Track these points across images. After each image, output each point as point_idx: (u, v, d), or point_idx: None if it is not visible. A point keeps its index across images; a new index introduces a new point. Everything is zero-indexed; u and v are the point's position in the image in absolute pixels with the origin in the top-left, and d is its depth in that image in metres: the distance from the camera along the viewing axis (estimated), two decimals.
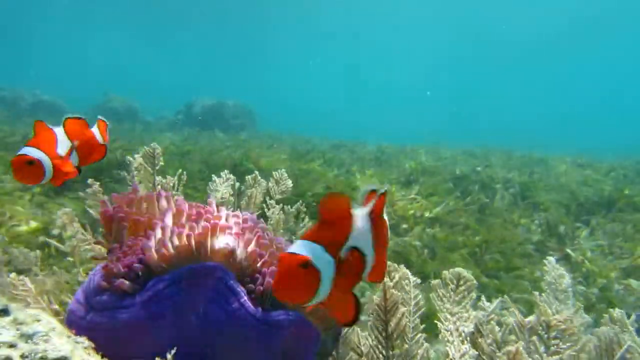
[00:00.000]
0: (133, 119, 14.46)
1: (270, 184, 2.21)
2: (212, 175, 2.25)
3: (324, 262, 0.92)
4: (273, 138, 11.70)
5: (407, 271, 1.68)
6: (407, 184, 7.04)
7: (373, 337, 1.57)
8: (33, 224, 4.17)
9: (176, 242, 1.16)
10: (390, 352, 1.54)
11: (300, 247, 0.92)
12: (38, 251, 1.90)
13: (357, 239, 1.01)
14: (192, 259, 1.17)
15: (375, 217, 1.08)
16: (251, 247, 1.22)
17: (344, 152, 10.65)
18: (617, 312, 1.72)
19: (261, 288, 1.20)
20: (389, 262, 1.91)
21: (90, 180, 2.12)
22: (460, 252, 5.22)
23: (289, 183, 2.24)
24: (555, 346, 1.53)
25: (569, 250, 5.09)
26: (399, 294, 1.60)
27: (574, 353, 1.45)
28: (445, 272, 1.83)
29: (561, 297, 1.80)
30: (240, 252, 1.20)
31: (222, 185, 2.14)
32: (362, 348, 1.59)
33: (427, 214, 5.98)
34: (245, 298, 1.17)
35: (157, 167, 2.06)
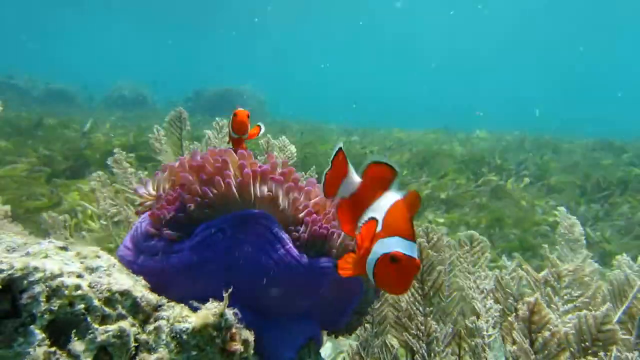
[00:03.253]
0: (142, 106, 14.50)
1: (274, 153, 2.17)
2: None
3: None
4: (282, 124, 11.71)
5: (444, 232, 1.71)
6: (420, 165, 7.04)
7: (409, 294, 1.59)
8: (46, 200, 4.25)
9: (215, 190, 1.18)
10: (428, 309, 1.56)
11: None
12: (67, 215, 1.92)
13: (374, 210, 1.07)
14: (236, 205, 1.18)
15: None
16: (293, 195, 1.23)
17: (355, 137, 10.63)
18: (622, 257, 1.75)
19: (305, 236, 1.21)
20: (427, 224, 1.92)
21: (116, 150, 2.14)
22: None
23: (293, 149, 2.18)
24: (567, 295, 1.57)
25: (587, 230, 5.07)
26: (435, 254, 1.62)
27: (586, 299, 1.49)
28: (459, 234, 1.88)
29: (574, 246, 1.84)
30: (282, 200, 1.22)
31: None
32: (401, 304, 1.61)
33: (441, 195, 5.98)
34: (291, 245, 1.19)
35: (184, 131, 2.07)
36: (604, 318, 1.28)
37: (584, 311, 1.35)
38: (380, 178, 1.11)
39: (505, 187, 6.56)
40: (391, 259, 0.95)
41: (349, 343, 1.57)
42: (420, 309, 1.50)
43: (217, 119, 2.19)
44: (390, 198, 1.08)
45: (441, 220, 5.24)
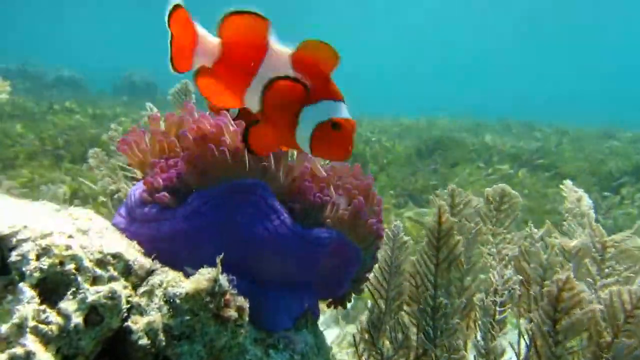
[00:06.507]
0: (152, 94, 14.54)
1: None
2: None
3: None
4: None
5: (473, 197, 1.55)
6: (428, 153, 6.98)
7: (422, 262, 1.40)
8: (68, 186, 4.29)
9: (210, 158, 1.16)
10: (439, 281, 1.36)
11: None
12: (66, 187, 1.93)
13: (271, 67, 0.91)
14: (230, 173, 1.16)
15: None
16: (287, 164, 1.21)
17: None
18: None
19: (299, 206, 1.19)
20: (452, 185, 1.71)
21: (113, 125, 2.13)
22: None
23: None
24: (610, 268, 1.39)
25: (600, 218, 4.99)
26: (455, 220, 1.43)
27: (632, 274, 1.32)
28: (487, 189, 1.69)
29: (582, 221, 1.63)
30: (276, 170, 1.20)
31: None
32: (412, 272, 1.43)
33: (450, 184, 5.92)
34: (286, 215, 1.17)
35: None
36: None
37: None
38: (249, 30, 0.91)
39: (516, 175, 6.48)
40: (332, 126, 0.87)
41: (358, 320, 1.50)
42: (431, 279, 1.34)
43: None
44: (283, 53, 0.92)
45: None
